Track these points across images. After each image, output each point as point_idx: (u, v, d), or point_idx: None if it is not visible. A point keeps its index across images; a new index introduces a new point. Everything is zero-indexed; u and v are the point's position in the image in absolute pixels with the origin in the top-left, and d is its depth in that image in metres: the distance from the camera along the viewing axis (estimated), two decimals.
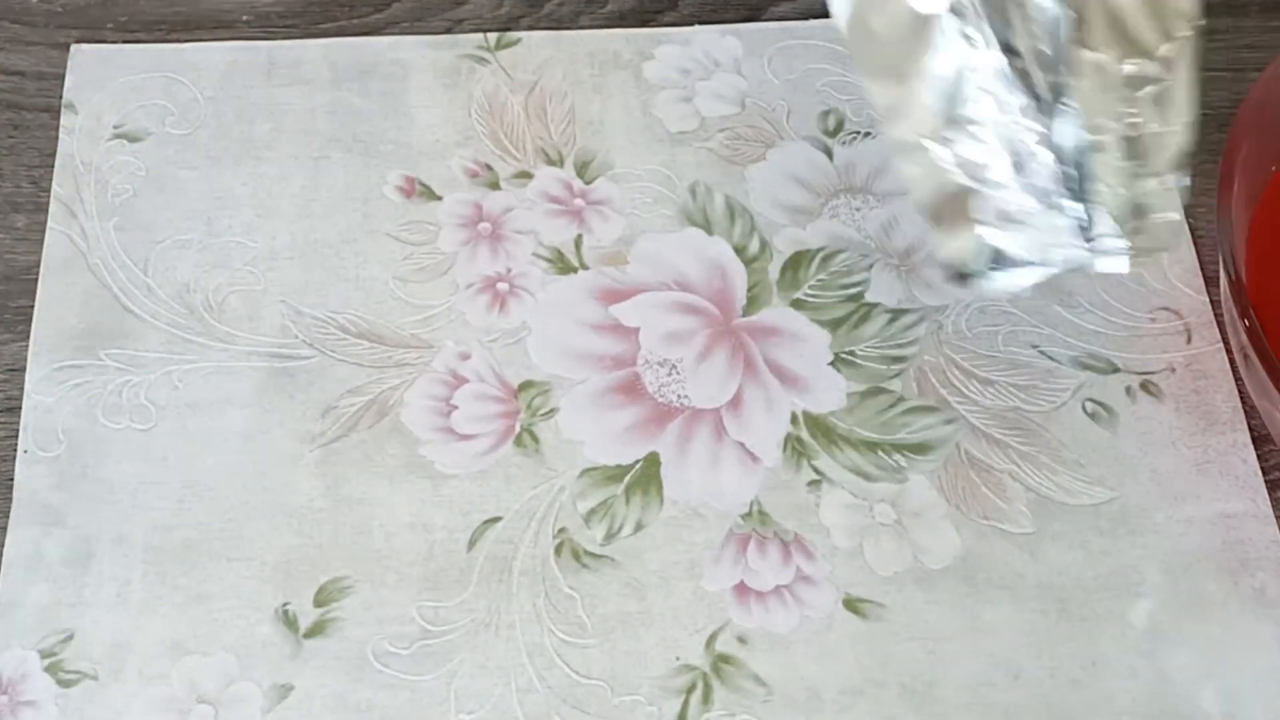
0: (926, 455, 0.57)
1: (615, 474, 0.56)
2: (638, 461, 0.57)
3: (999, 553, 0.55)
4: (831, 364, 0.59)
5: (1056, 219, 0.51)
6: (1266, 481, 0.57)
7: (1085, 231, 0.50)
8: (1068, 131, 0.49)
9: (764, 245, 0.62)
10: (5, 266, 0.61)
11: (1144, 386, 0.59)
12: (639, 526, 0.55)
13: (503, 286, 0.61)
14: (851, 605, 0.54)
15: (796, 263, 0.62)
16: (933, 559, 0.55)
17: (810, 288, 0.61)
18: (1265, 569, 0.55)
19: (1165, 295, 0.62)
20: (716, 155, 0.65)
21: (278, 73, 0.66)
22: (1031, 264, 0.52)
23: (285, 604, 0.53)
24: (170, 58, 0.67)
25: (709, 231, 0.63)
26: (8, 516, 0.55)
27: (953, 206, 0.51)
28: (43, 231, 0.61)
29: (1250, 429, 0.58)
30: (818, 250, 0.62)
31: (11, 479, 0.55)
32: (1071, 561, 0.55)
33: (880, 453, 0.57)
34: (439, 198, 0.63)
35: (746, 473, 0.57)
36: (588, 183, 0.64)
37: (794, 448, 0.57)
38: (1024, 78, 0.49)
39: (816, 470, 0.57)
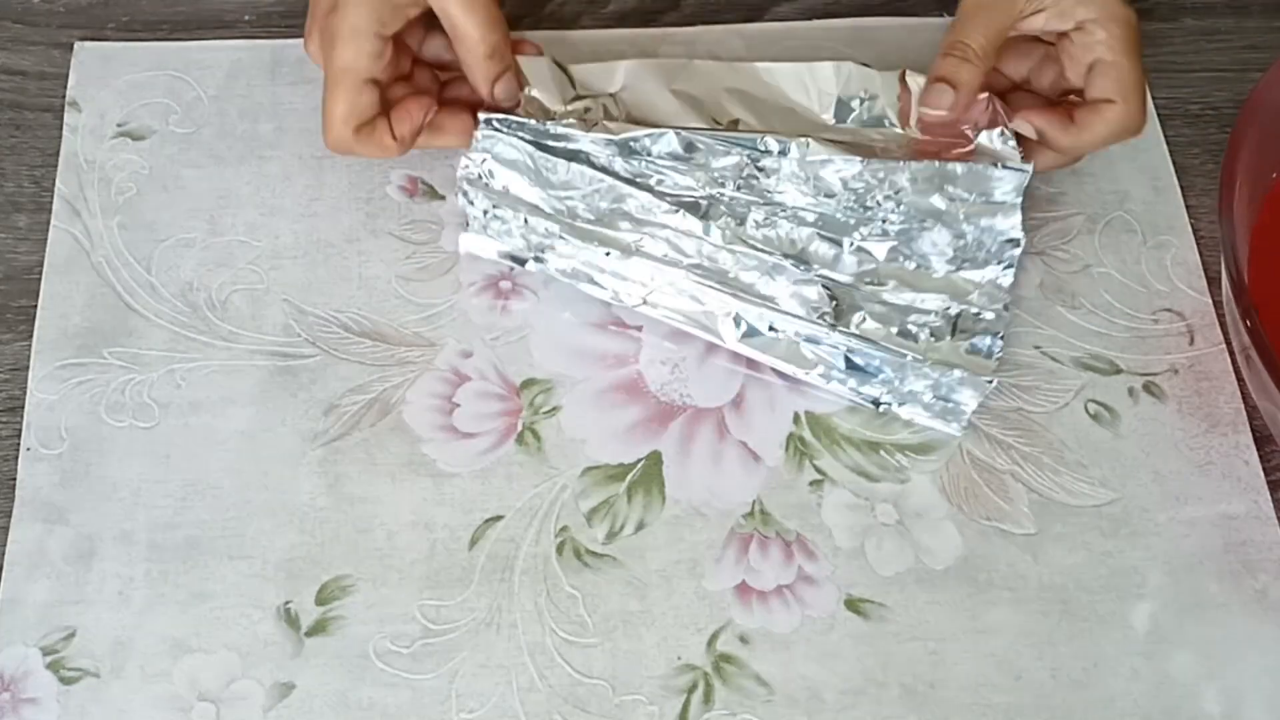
0: (928, 456, 0.57)
1: (617, 473, 0.56)
2: (640, 460, 0.57)
3: (1001, 553, 0.55)
4: None
5: None
6: (1269, 482, 0.57)
7: None
8: None
9: None
10: (7, 267, 0.61)
11: (1146, 388, 0.59)
12: (641, 525, 0.55)
13: (505, 285, 0.61)
14: (853, 605, 0.54)
15: None
16: (934, 559, 0.55)
17: None
18: (1267, 571, 0.55)
19: (1168, 296, 0.62)
20: None
21: (281, 72, 0.66)
22: None
23: (287, 602, 0.53)
24: (174, 56, 0.67)
25: None
26: (10, 514, 0.55)
27: None
28: (44, 232, 0.61)
29: (1253, 430, 0.58)
30: None
31: (14, 477, 0.55)
32: (1073, 562, 0.55)
33: (882, 453, 0.57)
34: (441, 197, 0.63)
35: (748, 472, 0.57)
36: None
37: (796, 447, 0.57)
38: None
39: (819, 470, 0.57)
